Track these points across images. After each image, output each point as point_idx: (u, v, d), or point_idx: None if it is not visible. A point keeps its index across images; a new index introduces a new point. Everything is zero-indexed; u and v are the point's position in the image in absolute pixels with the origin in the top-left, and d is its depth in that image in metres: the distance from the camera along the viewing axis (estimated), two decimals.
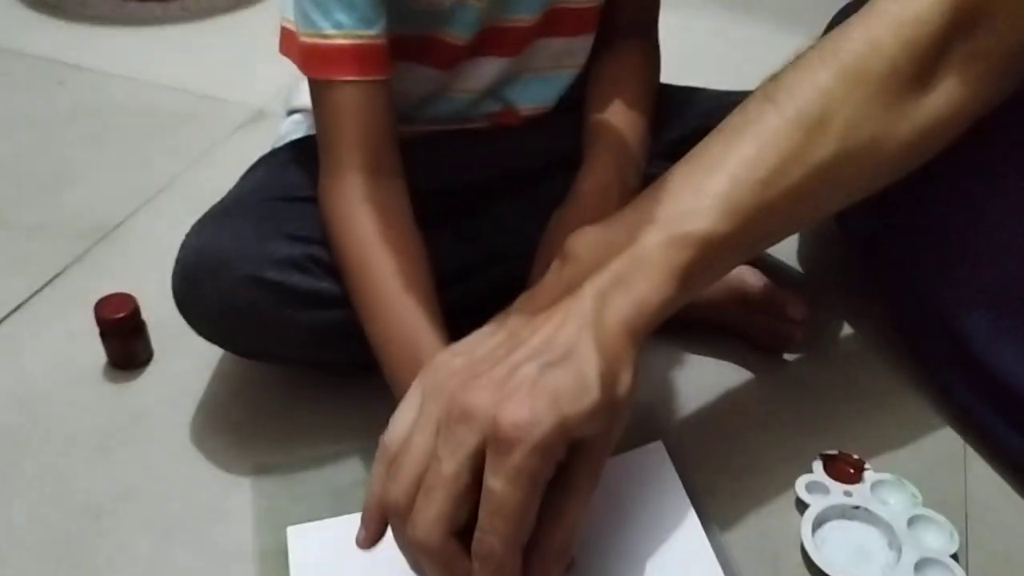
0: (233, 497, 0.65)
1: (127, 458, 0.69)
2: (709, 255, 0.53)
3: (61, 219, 0.96)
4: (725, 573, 0.58)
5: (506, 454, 0.46)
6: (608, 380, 0.49)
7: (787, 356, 0.77)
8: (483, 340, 0.52)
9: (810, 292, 0.78)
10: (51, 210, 0.98)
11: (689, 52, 0.99)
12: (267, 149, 0.78)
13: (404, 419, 0.50)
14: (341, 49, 0.64)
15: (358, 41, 0.64)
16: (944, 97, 0.56)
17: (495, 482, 0.46)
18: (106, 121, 1.14)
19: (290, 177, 0.71)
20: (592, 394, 0.48)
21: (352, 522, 0.56)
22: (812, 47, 0.57)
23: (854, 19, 0.57)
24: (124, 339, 0.76)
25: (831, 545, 0.61)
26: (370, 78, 0.63)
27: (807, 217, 0.58)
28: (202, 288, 0.65)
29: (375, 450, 0.64)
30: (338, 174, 0.64)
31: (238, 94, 1.19)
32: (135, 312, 0.75)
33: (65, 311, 0.82)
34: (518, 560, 0.48)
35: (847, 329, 0.80)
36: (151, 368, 0.77)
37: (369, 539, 0.53)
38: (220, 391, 0.74)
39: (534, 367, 0.48)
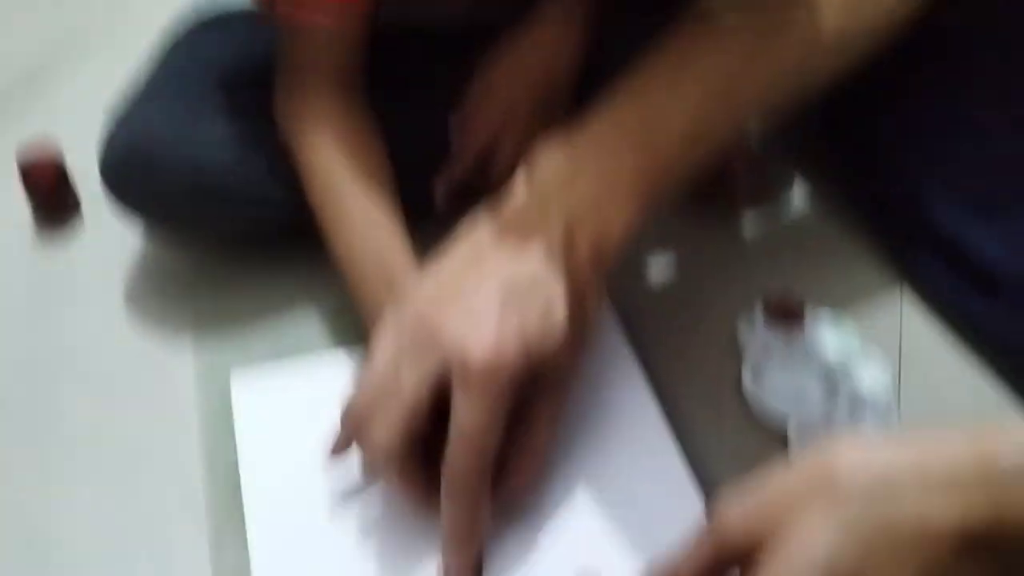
0: (173, 349, 0.65)
1: (60, 316, 0.67)
2: (679, 171, 0.53)
3: None
4: (668, 422, 0.58)
5: (474, 387, 0.46)
6: (575, 311, 0.50)
7: (734, 208, 0.76)
8: (450, 261, 0.51)
9: (762, 144, 0.78)
10: None
11: None
12: None
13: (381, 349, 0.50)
14: None
15: None
16: None
17: (464, 413, 0.47)
18: None
19: (222, 57, 0.67)
20: (558, 327, 0.49)
21: (295, 367, 0.60)
22: None
23: None
24: (49, 191, 0.73)
25: (770, 386, 0.61)
26: (350, 24, 0.60)
27: (775, 111, 0.56)
28: (133, 184, 0.63)
29: (317, 297, 0.66)
30: (302, 94, 0.62)
31: None
32: (58, 163, 0.72)
33: None
34: (488, 482, 0.48)
35: (797, 184, 0.79)
36: (80, 222, 0.75)
37: (335, 454, 0.54)
38: (154, 246, 0.72)
39: (500, 297, 0.48)
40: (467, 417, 0.47)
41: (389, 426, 0.48)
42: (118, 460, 0.59)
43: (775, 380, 0.62)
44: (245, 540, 0.53)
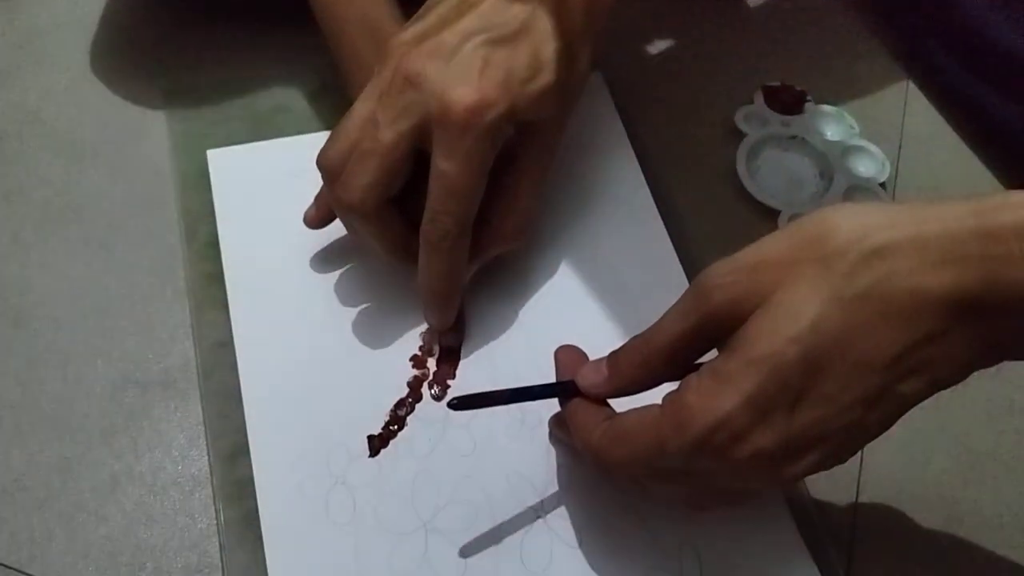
0: (146, 120, 0.62)
1: (25, 81, 0.64)
2: None
3: None
4: (657, 203, 0.57)
5: (456, 137, 0.44)
6: (564, 61, 0.47)
7: None
8: (435, 11, 0.48)
9: None
10: None
11: None
12: None
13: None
14: None
15: None
16: None
17: (447, 165, 0.45)
18: None
19: None
20: (546, 76, 0.47)
21: (275, 147, 0.59)
22: None
23: None
24: None
25: (764, 173, 0.60)
26: None
27: None
28: None
29: (297, 75, 0.63)
30: None
31: None
32: None
33: None
34: (468, 237, 0.47)
35: None
36: None
37: (316, 219, 0.53)
38: (120, 8, 0.68)
39: (486, 42, 0.46)
40: (447, 165, 0.45)
41: (364, 174, 0.46)
42: (93, 226, 0.58)
43: (770, 166, 0.61)
44: (227, 309, 0.53)
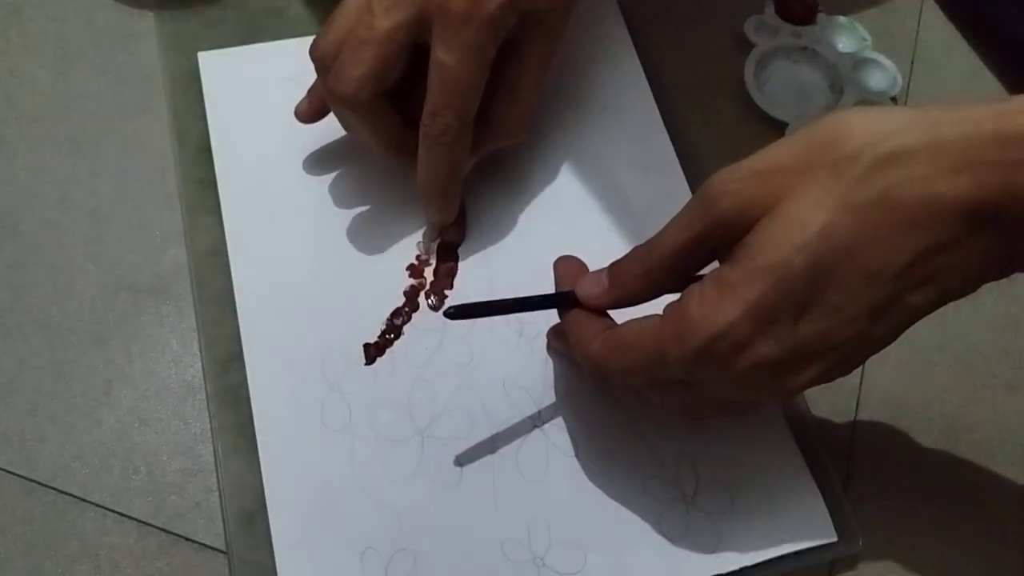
0: (135, 21, 0.60)
1: None
2: None
3: None
4: (662, 113, 0.56)
5: (457, 29, 0.43)
6: None
7: None
8: None
9: None
10: None
11: None
12: None
13: None
14: None
15: None
16: None
17: (448, 57, 0.43)
18: None
19: None
20: None
21: (267, 50, 0.57)
22: None
23: None
24: None
25: (773, 85, 0.59)
26: None
27: None
28: None
29: None
30: None
31: None
32: None
33: None
34: (469, 132, 0.46)
35: None
36: None
37: (308, 112, 0.51)
38: None
39: None
40: (447, 58, 0.43)
41: (359, 64, 0.45)
42: (82, 129, 0.56)
43: (779, 78, 0.59)
44: (220, 215, 0.51)
